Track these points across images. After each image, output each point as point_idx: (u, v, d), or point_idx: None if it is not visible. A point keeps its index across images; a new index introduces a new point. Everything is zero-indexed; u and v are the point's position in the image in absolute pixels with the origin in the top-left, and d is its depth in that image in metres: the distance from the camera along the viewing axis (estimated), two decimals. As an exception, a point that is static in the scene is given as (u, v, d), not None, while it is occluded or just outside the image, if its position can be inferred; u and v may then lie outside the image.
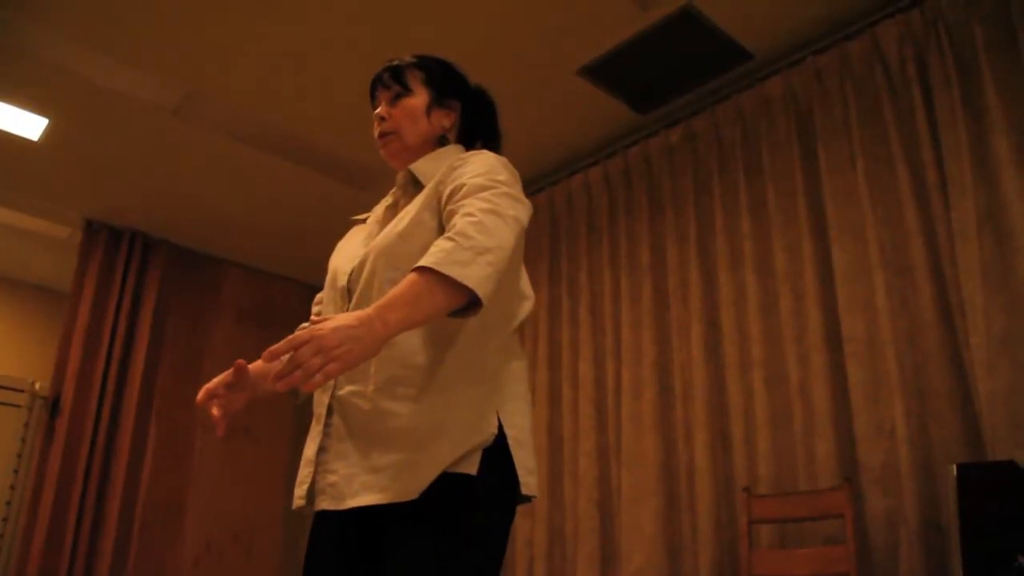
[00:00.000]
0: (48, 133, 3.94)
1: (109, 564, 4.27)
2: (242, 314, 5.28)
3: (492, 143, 1.69)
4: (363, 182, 4.26)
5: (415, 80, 1.60)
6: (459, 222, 1.28)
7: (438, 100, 1.61)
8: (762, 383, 2.96)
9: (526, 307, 1.48)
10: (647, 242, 3.55)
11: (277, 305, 5.48)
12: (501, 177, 1.40)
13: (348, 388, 1.39)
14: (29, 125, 3.87)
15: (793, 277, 3.00)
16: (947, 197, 2.63)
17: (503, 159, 1.49)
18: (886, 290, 2.68)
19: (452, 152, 1.59)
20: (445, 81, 1.64)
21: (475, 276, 1.21)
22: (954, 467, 2.15)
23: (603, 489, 3.40)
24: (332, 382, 1.41)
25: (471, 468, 1.30)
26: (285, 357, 1.36)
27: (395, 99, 1.59)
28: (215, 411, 1.43)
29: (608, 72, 3.39)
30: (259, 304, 5.39)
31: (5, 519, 5.20)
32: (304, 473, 1.43)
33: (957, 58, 2.72)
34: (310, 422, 1.49)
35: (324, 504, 1.36)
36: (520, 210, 1.36)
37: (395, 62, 1.63)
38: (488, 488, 1.32)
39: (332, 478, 1.36)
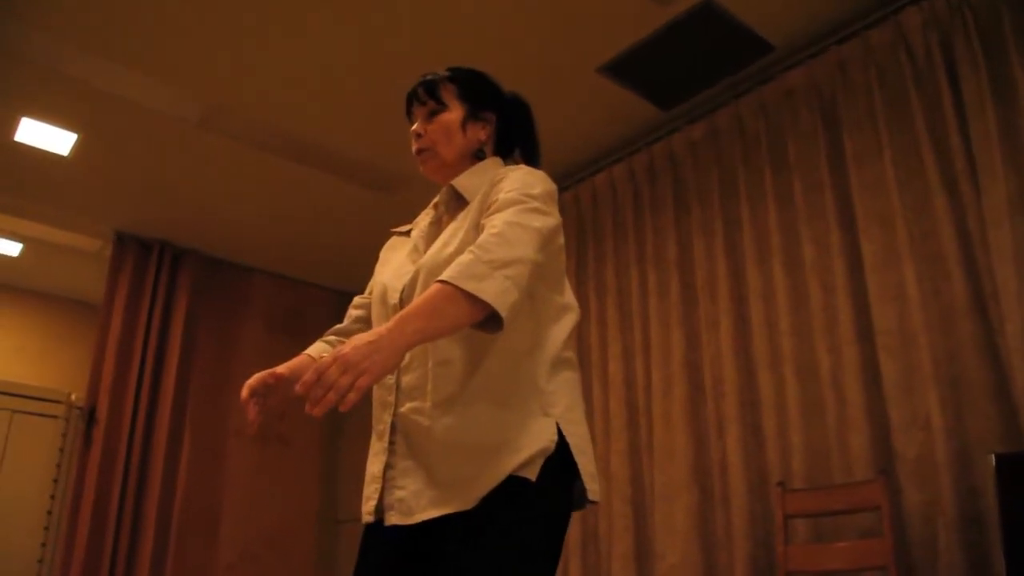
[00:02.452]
0: (78, 148, 4.00)
1: (149, 569, 4.33)
2: (271, 321, 5.33)
3: (530, 151, 1.69)
4: (388, 187, 4.28)
5: (449, 95, 1.60)
6: (483, 236, 1.32)
7: (473, 114, 1.61)
8: (793, 376, 2.94)
9: (571, 318, 1.50)
10: (673, 238, 3.53)
11: (305, 312, 5.52)
12: (534, 191, 1.43)
13: (408, 405, 1.42)
14: (59, 141, 3.94)
15: (822, 269, 2.98)
16: (977, 183, 2.59)
17: (540, 173, 1.50)
18: (917, 279, 2.65)
19: (491, 166, 1.60)
20: (479, 94, 1.63)
21: (491, 290, 1.24)
22: (992, 457, 2.12)
23: (636, 487, 3.39)
24: (393, 401, 1.45)
25: (531, 474, 1.32)
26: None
27: (431, 115, 1.60)
28: (253, 410, 1.47)
29: (629, 69, 3.38)
30: (288, 311, 5.43)
31: (47, 528, 5.28)
32: (370, 489, 1.45)
33: (984, 41, 2.68)
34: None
35: (393, 519, 1.38)
36: (546, 222, 1.39)
37: (429, 76, 1.62)
38: (546, 494, 1.34)
39: (400, 494, 1.39)
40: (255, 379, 1.49)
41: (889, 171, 2.82)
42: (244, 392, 1.46)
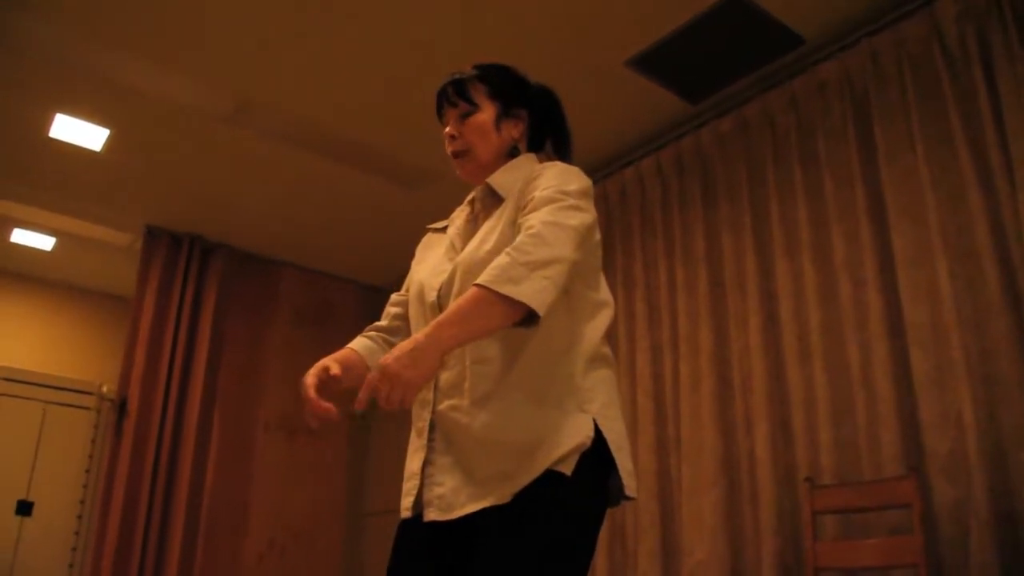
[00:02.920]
0: (110, 144, 4.05)
1: (178, 558, 4.39)
2: (299, 315, 5.37)
3: (562, 142, 1.69)
4: (415, 182, 4.29)
5: (480, 94, 1.60)
6: (520, 237, 1.32)
7: (505, 112, 1.61)
8: (823, 372, 2.92)
9: (607, 314, 1.50)
10: (702, 232, 3.52)
11: (333, 305, 5.56)
12: (570, 188, 1.43)
13: (447, 403, 1.43)
14: (92, 136, 3.99)
15: (852, 264, 2.95)
16: (1012, 178, 2.55)
17: (575, 169, 1.51)
18: (950, 275, 2.62)
19: (526, 162, 1.60)
20: (510, 91, 1.63)
21: (528, 291, 1.25)
22: (1026, 455, 2.09)
23: (663, 483, 3.39)
24: (432, 399, 1.46)
25: (567, 469, 1.33)
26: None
27: (463, 117, 1.59)
28: (322, 405, 1.42)
29: (658, 63, 3.36)
30: (316, 304, 5.47)
31: (79, 516, 5.38)
32: (409, 486, 1.48)
33: (1022, 32, 2.64)
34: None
35: (432, 515, 1.40)
36: (583, 219, 1.39)
37: (457, 76, 1.62)
38: (582, 490, 1.35)
39: (439, 490, 1.40)
40: (316, 376, 1.47)
41: (922, 165, 2.78)
42: (310, 391, 1.45)
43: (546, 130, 1.68)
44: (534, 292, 1.25)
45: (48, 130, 3.92)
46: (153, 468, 4.50)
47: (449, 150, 1.61)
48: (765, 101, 3.42)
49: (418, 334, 1.25)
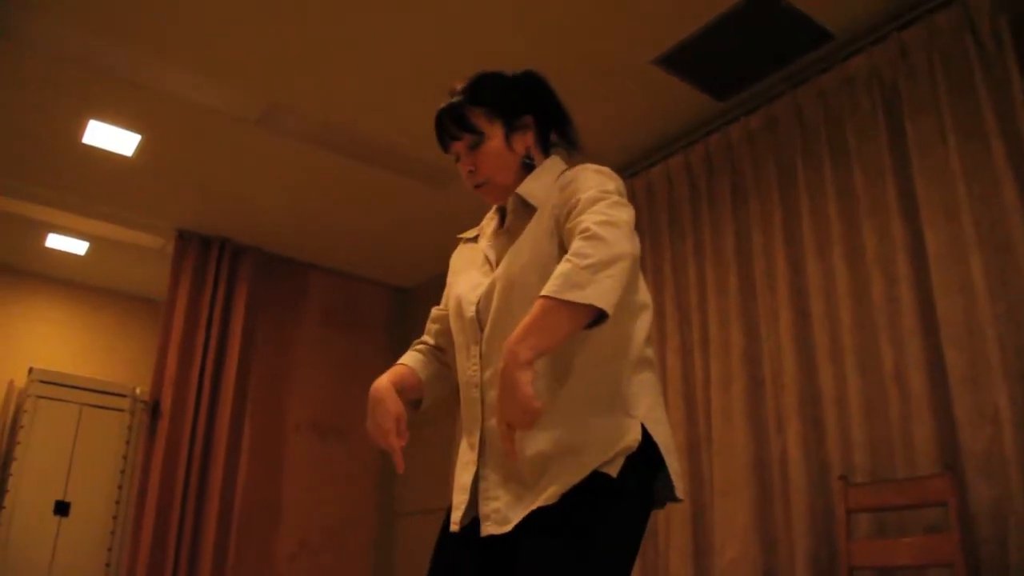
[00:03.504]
0: (141, 149, 4.10)
1: (211, 558, 4.44)
2: (328, 316, 5.41)
3: (564, 125, 1.65)
4: (443, 182, 4.30)
5: (481, 120, 1.55)
6: (576, 242, 1.31)
7: (511, 128, 1.57)
8: (855, 370, 2.89)
9: (648, 315, 1.49)
10: (731, 230, 3.50)
11: (362, 307, 5.59)
12: (610, 187, 1.42)
13: (495, 419, 1.42)
14: (124, 142, 4.04)
15: (884, 261, 2.92)
16: (1048, 171, 2.52)
17: (606, 170, 1.49)
18: (984, 270, 2.58)
19: (552, 167, 1.58)
20: (506, 104, 1.58)
21: (594, 293, 1.24)
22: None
23: (694, 482, 3.37)
24: (480, 414, 1.47)
25: (612, 471, 1.33)
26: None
27: (472, 148, 1.55)
28: (398, 445, 1.49)
29: (685, 60, 3.35)
30: (345, 306, 5.51)
31: (115, 517, 5.45)
32: (459, 499, 1.48)
33: (1055, 25, 2.60)
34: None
35: (490, 529, 1.40)
36: (631, 213, 1.38)
37: (452, 104, 1.56)
38: (627, 491, 1.35)
39: (495, 504, 1.41)
40: (395, 422, 1.50)
41: (954, 159, 2.75)
42: (394, 442, 1.48)
43: (549, 121, 1.64)
44: (600, 293, 1.24)
45: (81, 136, 3.99)
46: (186, 469, 4.56)
47: (468, 182, 1.58)
48: (794, 97, 3.39)
49: (498, 366, 1.25)
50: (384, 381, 1.55)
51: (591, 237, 1.29)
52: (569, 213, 1.41)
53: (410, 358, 1.68)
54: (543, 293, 1.25)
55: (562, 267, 1.27)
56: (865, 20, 3.14)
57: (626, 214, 1.36)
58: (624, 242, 1.30)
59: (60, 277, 5.94)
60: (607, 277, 1.25)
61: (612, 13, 3.12)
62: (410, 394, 1.62)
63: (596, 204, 1.37)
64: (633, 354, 1.43)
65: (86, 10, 3.16)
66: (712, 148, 3.72)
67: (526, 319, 1.25)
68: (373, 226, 4.92)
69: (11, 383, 5.54)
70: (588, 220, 1.33)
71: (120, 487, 5.52)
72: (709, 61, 3.37)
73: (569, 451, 1.35)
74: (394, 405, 1.51)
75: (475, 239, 1.68)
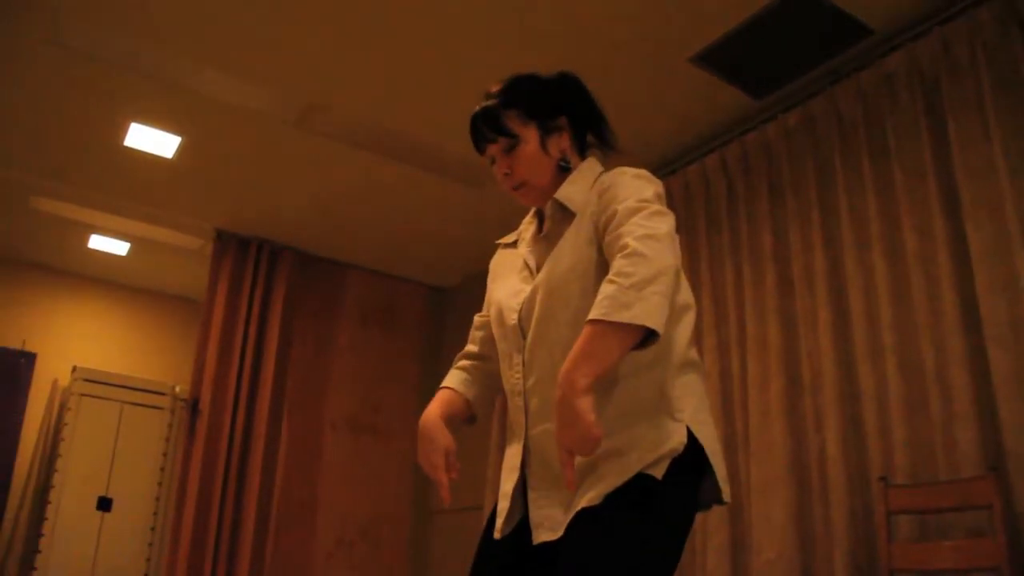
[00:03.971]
0: (181, 151, 4.17)
1: (250, 555, 4.50)
2: (365, 316, 5.45)
3: (599, 126, 1.64)
4: (480, 182, 4.31)
5: (515, 122, 1.55)
6: (617, 260, 1.29)
7: (546, 130, 1.57)
8: (896, 370, 2.85)
9: (691, 316, 1.48)
10: (768, 228, 3.47)
11: (399, 306, 5.63)
12: (647, 195, 1.41)
13: (540, 428, 1.45)
14: (164, 144, 4.11)
15: (925, 259, 2.88)
16: (1096, 167, 2.46)
17: (645, 173, 1.48)
18: (1029, 268, 2.54)
19: (589, 169, 1.58)
20: (541, 106, 1.57)
21: (643, 313, 1.23)
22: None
23: (732, 481, 3.34)
24: (524, 422, 1.48)
25: (657, 473, 1.33)
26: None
27: (508, 151, 1.55)
28: (446, 479, 1.51)
29: (721, 58, 3.33)
30: (381, 305, 5.55)
31: (155, 513, 5.54)
32: (503, 505, 1.49)
33: (1104, 17, 2.55)
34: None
35: (544, 536, 1.41)
36: (670, 223, 1.36)
37: (487, 107, 1.56)
38: (672, 494, 1.35)
39: (548, 511, 1.42)
40: (443, 456, 1.51)
41: (998, 155, 2.70)
42: (442, 476, 1.50)
43: (585, 122, 1.64)
44: (648, 312, 1.23)
45: (123, 139, 4.06)
46: (224, 466, 4.62)
47: (505, 185, 1.59)
48: (832, 95, 3.36)
49: (554, 396, 1.25)
50: (433, 414, 1.56)
51: (632, 254, 1.28)
52: (608, 224, 1.40)
53: (454, 379, 1.68)
54: (591, 317, 1.24)
55: (607, 288, 1.26)
56: (906, 15, 3.09)
57: (665, 224, 1.34)
58: (666, 254, 1.29)
59: (102, 277, 6.05)
60: (653, 294, 1.24)
61: (649, 11, 3.10)
62: (460, 418, 1.63)
63: (634, 216, 1.35)
64: (677, 356, 1.42)
65: (127, 16, 3.22)
66: (749, 146, 3.69)
67: (577, 345, 1.25)
68: (410, 226, 4.95)
69: (55, 381, 5.66)
70: (628, 236, 1.31)
71: (160, 483, 5.62)
72: (746, 59, 3.34)
73: (614, 453, 1.35)
74: (443, 439, 1.51)
75: (514, 244, 1.67)
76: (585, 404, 1.21)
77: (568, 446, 1.23)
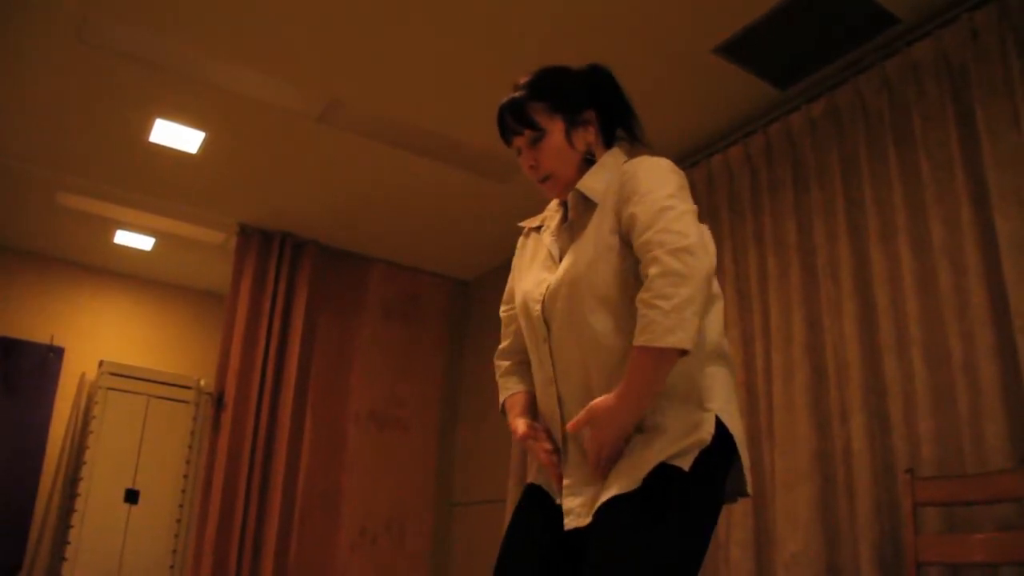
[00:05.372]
0: (205, 146, 4.20)
1: (275, 546, 4.53)
2: (388, 309, 5.47)
3: (629, 121, 1.64)
4: (503, 175, 4.31)
5: (541, 115, 1.55)
6: (653, 280, 1.32)
7: (572, 123, 1.57)
8: (922, 362, 2.82)
9: (719, 306, 1.50)
10: (793, 219, 3.44)
11: (422, 299, 5.64)
12: (669, 189, 1.41)
13: (572, 416, 1.46)
14: (188, 139, 4.14)
15: (952, 250, 2.84)
16: None
17: (665, 163, 1.47)
18: (1060, 259, 2.50)
19: (612, 160, 1.58)
20: (567, 98, 1.57)
21: (687, 334, 1.29)
22: None
23: (756, 474, 3.33)
24: (559, 411, 1.51)
25: (685, 464, 1.34)
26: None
27: (534, 143, 1.56)
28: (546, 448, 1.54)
29: (745, 49, 3.30)
30: (404, 299, 5.57)
31: (181, 506, 5.60)
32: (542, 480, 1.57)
33: None
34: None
35: (573, 523, 1.43)
36: (696, 222, 1.39)
37: (513, 99, 1.57)
38: (699, 484, 1.36)
39: (580, 500, 1.44)
40: (550, 458, 1.53)
41: (1028, 144, 2.66)
42: (553, 468, 1.52)
43: (613, 116, 1.63)
44: (690, 335, 1.29)
45: (148, 135, 4.09)
46: (249, 459, 4.66)
47: (532, 178, 1.60)
48: (857, 84, 3.32)
49: (611, 404, 1.35)
50: (520, 428, 1.58)
51: (668, 274, 1.30)
52: (633, 224, 1.40)
53: (511, 382, 1.70)
54: (637, 344, 1.30)
55: (646, 313, 1.30)
56: (932, 2, 3.05)
57: (693, 227, 1.36)
58: (701, 265, 1.32)
59: (127, 272, 6.11)
60: (693, 314, 1.29)
61: (673, 2, 3.09)
62: (535, 410, 1.65)
63: (660, 220, 1.36)
64: (708, 347, 1.43)
65: (152, 12, 3.24)
66: (773, 136, 3.66)
67: (630, 377, 1.32)
68: (433, 219, 4.96)
69: (83, 376, 5.73)
70: (659, 247, 1.33)
71: (186, 476, 5.68)
72: (770, 49, 3.32)
73: (644, 443, 1.36)
74: (541, 448, 1.54)
75: (538, 228, 1.68)
76: (620, 442, 1.37)
77: (598, 450, 1.39)
